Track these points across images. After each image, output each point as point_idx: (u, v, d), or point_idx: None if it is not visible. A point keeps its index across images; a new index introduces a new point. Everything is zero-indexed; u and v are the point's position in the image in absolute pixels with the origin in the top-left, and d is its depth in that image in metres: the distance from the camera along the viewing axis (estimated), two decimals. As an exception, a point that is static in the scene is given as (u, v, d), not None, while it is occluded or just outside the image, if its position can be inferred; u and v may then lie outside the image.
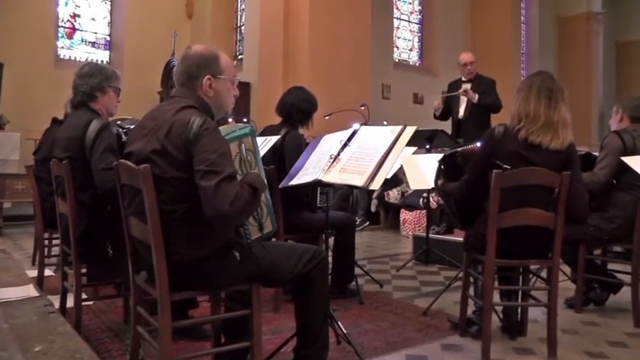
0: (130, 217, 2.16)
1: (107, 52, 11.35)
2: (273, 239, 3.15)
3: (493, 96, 5.93)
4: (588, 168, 3.42)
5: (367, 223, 7.89)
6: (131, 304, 2.26)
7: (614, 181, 3.42)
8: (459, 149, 3.10)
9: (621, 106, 3.64)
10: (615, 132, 3.52)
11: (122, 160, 2.10)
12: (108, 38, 11.41)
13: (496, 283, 3.00)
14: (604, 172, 3.41)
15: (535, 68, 13.56)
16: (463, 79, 6.12)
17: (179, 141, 1.95)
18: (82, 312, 2.91)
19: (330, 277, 3.48)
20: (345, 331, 2.70)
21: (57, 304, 2.97)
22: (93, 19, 11.22)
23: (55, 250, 4.21)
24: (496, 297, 3.09)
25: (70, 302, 2.94)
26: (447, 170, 3.02)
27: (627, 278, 3.43)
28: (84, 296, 2.90)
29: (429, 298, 3.67)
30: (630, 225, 3.33)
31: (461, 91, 5.93)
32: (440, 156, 3.23)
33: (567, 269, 3.84)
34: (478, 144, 3.11)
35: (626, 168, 3.25)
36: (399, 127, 2.65)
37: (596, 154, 3.70)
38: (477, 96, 5.85)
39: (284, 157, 3.53)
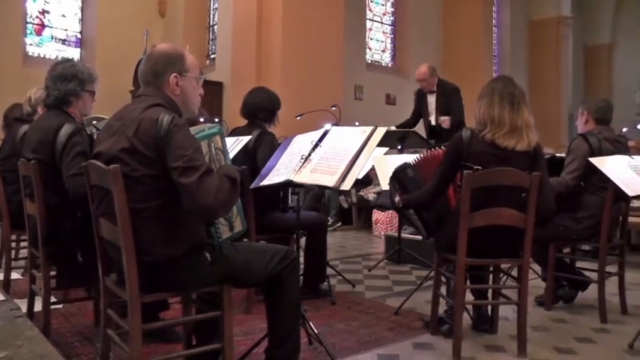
0: (99, 219, 2.14)
1: (78, 50, 11.17)
2: (245, 239, 3.15)
3: (456, 110, 5.96)
4: (554, 170, 3.47)
5: (339, 223, 7.90)
6: (101, 306, 2.23)
7: (582, 184, 3.49)
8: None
9: (586, 108, 3.69)
10: (581, 135, 3.59)
11: (92, 161, 2.08)
12: (79, 36, 11.23)
13: (467, 282, 3.04)
14: (571, 176, 3.47)
15: (506, 70, 13.80)
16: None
17: (149, 138, 1.93)
18: (51, 315, 2.85)
19: (301, 277, 3.50)
20: (316, 331, 2.70)
21: (24, 308, 2.91)
22: (63, 15, 11.02)
23: (23, 253, 4.13)
24: (468, 295, 3.13)
25: (38, 306, 2.89)
26: (400, 186, 3.04)
27: (595, 276, 3.51)
28: (53, 299, 2.85)
29: (400, 297, 3.69)
30: (598, 225, 3.40)
31: (439, 121, 5.94)
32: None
33: (538, 268, 3.91)
34: (434, 150, 3.16)
35: (594, 170, 3.32)
36: (370, 128, 2.66)
37: (560, 155, 3.76)
38: (449, 121, 5.87)
39: (256, 158, 3.52)
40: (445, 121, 5.87)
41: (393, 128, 6.10)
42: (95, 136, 2.85)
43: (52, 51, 10.77)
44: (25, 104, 4.02)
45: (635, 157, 3.40)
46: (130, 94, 9.99)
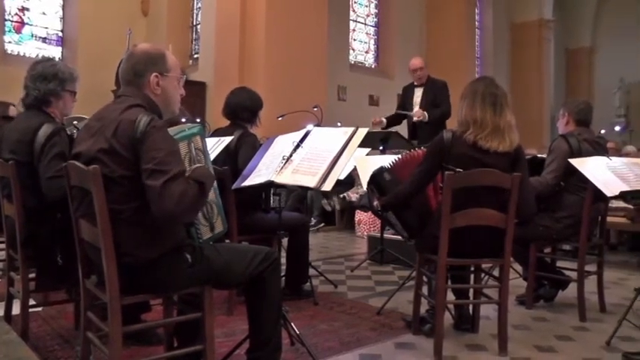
0: (79, 220, 2.13)
1: (59, 49, 11.03)
2: (227, 240, 3.14)
3: (444, 103, 5.94)
4: (535, 171, 3.51)
5: (322, 224, 7.90)
6: (82, 309, 2.21)
7: (562, 184, 3.53)
8: (386, 166, 3.09)
9: (567, 109, 3.75)
10: (562, 136, 3.64)
11: (71, 161, 2.06)
12: (60, 34, 11.09)
13: (449, 282, 3.06)
14: (552, 175, 3.52)
15: (489, 72, 13.92)
16: (415, 83, 6.13)
17: (126, 139, 1.92)
18: (30, 319, 2.82)
19: (284, 278, 3.49)
20: (298, 332, 2.70)
21: (1, 312, 2.87)
22: (43, 13, 10.87)
23: (1, 255, 4.06)
24: (450, 295, 3.15)
25: (16, 309, 2.85)
26: (378, 190, 3.04)
27: (575, 275, 3.55)
28: (32, 302, 2.80)
29: (383, 297, 3.70)
30: (577, 224, 3.45)
31: (415, 118, 5.90)
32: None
33: (519, 267, 3.95)
34: (412, 152, 3.16)
35: (573, 170, 3.36)
36: (351, 129, 2.67)
37: (541, 156, 3.81)
38: (426, 115, 5.82)
39: (238, 159, 3.50)
40: (419, 115, 5.83)
41: (383, 120, 6.05)
42: (75, 137, 2.82)
43: (32, 49, 10.63)
44: (18, 105, 3.97)
45: (614, 158, 3.45)
46: (113, 93, 9.89)
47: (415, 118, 5.88)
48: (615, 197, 3.40)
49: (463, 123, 2.84)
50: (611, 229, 5.93)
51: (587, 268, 3.57)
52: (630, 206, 5.11)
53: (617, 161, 3.40)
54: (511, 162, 2.81)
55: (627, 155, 6.21)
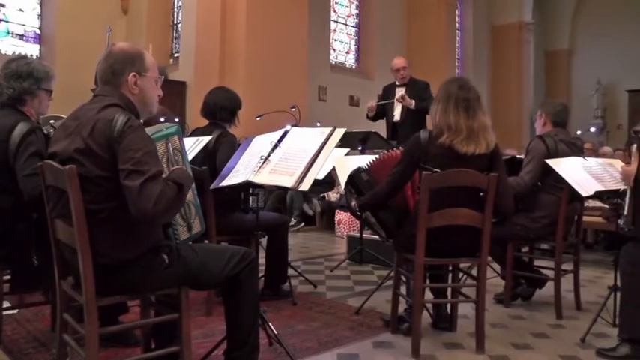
0: (55, 220, 2.10)
1: (37, 46, 10.87)
2: (206, 241, 3.12)
3: (429, 99, 5.94)
4: (513, 171, 3.55)
5: (302, 224, 7.89)
6: (57, 310, 2.19)
7: (539, 184, 3.58)
8: (363, 166, 3.09)
9: (544, 110, 3.79)
10: (539, 137, 3.68)
11: (47, 161, 2.04)
12: (38, 31, 10.93)
13: (427, 281, 3.08)
14: (529, 176, 3.56)
15: (469, 74, 14.01)
16: (397, 83, 6.12)
17: (103, 139, 1.91)
18: (4, 321, 2.79)
19: (263, 278, 3.49)
20: (276, 332, 2.70)
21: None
22: (20, 10, 10.70)
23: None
24: (428, 294, 3.18)
25: (-11, 312, 2.81)
26: (356, 190, 3.06)
27: (551, 273, 3.60)
28: (6, 304, 2.76)
29: (362, 297, 3.71)
30: (554, 224, 3.50)
31: (397, 97, 5.90)
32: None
33: (497, 266, 3.99)
34: (390, 152, 3.17)
35: (550, 171, 3.40)
36: (329, 129, 2.67)
37: (520, 157, 3.86)
38: (413, 102, 5.83)
39: (216, 159, 3.49)
40: (406, 98, 5.82)
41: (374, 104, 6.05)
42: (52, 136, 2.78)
43: (9, 47, 10.46)
44: None
45: (589, 158, 3.50)
46: (92, 92, 9.74)
47: (398, 97, 5.85)
48: (591, 197, 3.46)
49: (437, 128, 2.85)
50: (587, 229, 6.02)
51: (564, 266, 3.63)
52: (606, 206, 5.19)
53: (592, 162, 3.46)
54: (488, 162, 2.84)
55: (604, 156, 6.32)
